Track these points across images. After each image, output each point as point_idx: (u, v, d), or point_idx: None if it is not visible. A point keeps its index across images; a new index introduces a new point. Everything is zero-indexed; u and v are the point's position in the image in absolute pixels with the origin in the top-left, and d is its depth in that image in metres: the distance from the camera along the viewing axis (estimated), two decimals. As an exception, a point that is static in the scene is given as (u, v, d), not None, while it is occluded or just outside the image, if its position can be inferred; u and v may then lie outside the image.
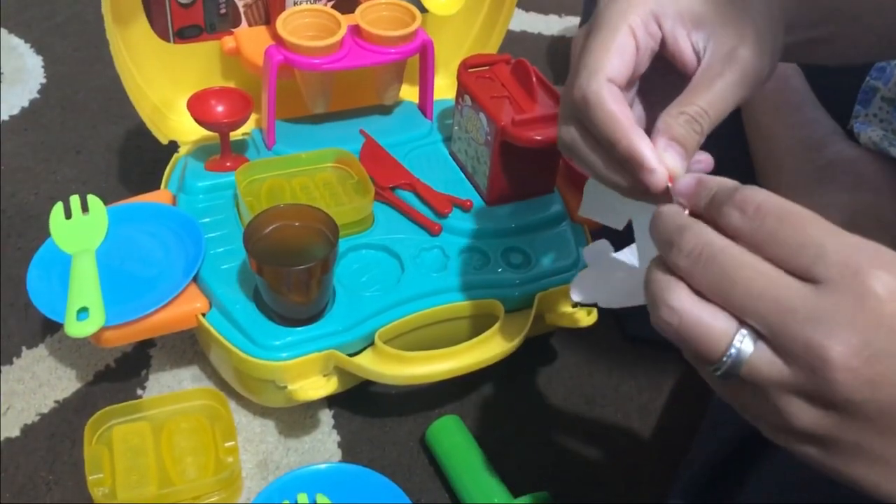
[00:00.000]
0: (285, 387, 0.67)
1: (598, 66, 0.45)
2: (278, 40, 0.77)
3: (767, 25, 0.46)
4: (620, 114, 0.44)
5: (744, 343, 0.35)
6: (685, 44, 0.46)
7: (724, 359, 0.36)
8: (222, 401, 0.70)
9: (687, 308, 0.36)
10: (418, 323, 0.70)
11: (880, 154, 0.76)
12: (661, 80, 0.49)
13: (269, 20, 0.82)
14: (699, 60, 0.46)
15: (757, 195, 0.36)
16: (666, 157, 0.43)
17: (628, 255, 0.51)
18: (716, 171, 0.45)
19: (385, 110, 0.87)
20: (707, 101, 0.44)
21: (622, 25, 0.45)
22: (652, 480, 0.72)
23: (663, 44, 0.47)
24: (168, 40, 0.80)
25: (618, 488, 0.71)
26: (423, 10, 0.84)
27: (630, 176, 0.44)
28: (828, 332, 0.33)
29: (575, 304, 0.73)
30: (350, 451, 0.72)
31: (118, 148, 0.98)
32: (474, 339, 0.69)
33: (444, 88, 0.90)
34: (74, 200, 0.73)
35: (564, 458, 0.73)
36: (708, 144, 0.47)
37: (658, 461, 0.73)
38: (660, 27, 0.46)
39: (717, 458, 0.62)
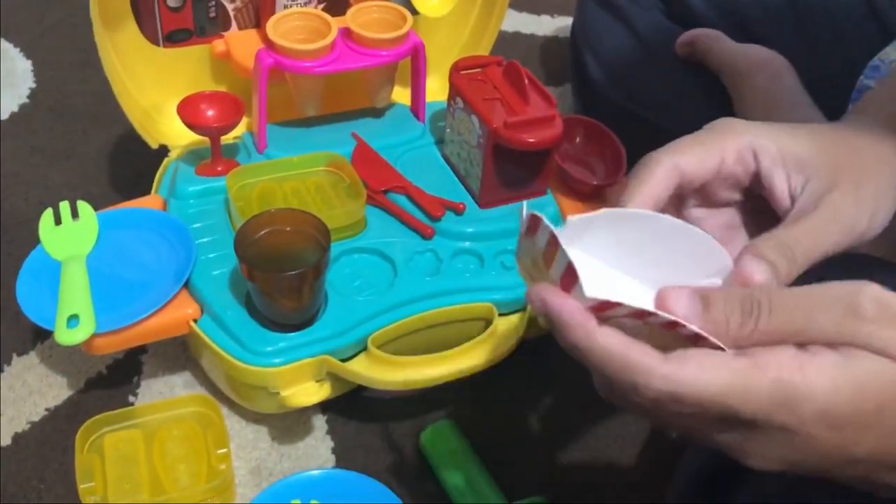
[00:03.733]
0: (278, 393, 0.66)
1: (678, 150, 0.46)
2: (269, 43, 0.76)
3: (872, 177, 0.46)
4: (655, 178, 0.45)
5: None
6: (782, 185, 0.46)
7: None
8: (214, 407, 0.69)
9: None
10: (412, 327, 0.70)
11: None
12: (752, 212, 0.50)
13: (259, 23, 0.82)
14: (793, 201, 0.46)
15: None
16: (754, 269, 0.41)
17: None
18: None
19: (377, 113, 0.87)
20: (797, 233, 0.44)
21: (717, 142, 0.47)
22: (649, 485, 0.72)
23: (758, 179, 0.47)
24: (157, 44, 0.80)
25: (614, 492, 0.71)
26: (415, 12, 0.84)
27: None
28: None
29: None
30: (344, 457, 0.71)
31: (108, 153, 0.97)
32: (468, 343, 0.69)
33: (437, 91, 0.90)
34: (64, 206, 0.73)
35: (560, 462, 0.73)
36: None
37: (655, 465, 0.73)
38: (756, 161, 0.47)
39: (715, 460, 0.62)
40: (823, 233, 0.44)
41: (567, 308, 0.37)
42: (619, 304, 0.37)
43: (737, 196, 0.49)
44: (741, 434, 0.37)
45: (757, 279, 0.41)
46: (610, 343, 0.37)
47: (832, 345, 0.36)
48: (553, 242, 0.38)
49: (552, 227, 0.38)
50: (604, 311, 0.38)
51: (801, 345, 0.37)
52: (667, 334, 0.38)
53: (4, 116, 1.01)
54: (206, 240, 0.72)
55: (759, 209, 0.49)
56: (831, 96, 0.82)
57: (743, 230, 0.50)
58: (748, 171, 0.47)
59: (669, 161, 0.46)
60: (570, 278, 0.37)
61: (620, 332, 0.37)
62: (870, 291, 0.36)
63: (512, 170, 0.76)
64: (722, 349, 0.37)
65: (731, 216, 0.50)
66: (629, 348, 0.37)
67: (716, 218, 0.50)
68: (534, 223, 0.39)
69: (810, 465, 0.38)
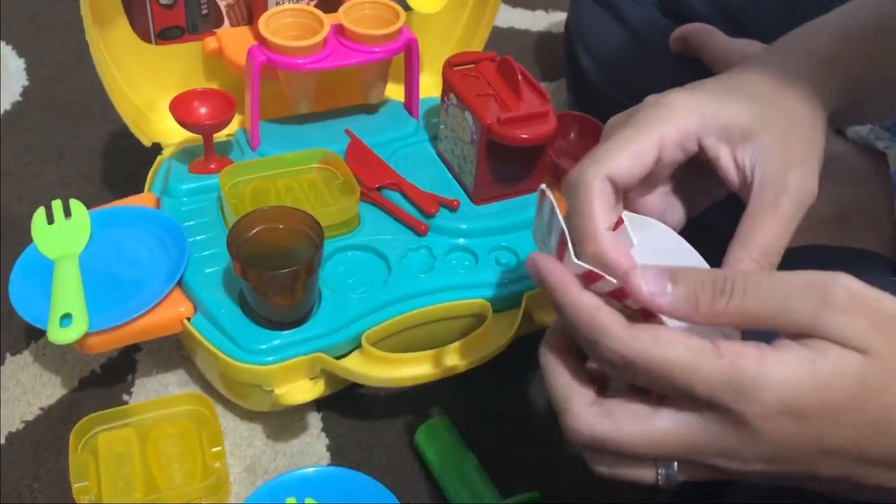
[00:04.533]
0: (272, 391, 0.66)
1: (606, 159, 0.45)
2: (261, 40, 0.76)
3: (814, 135, 0.46)
4: (597, 213, 0.44)
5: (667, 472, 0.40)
6: (728, 160, 0.46)
7: (660, 482, 0.41)
8: (209, 405, 0.69)
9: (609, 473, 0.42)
10: (406, 324, 0.69)
11: (867, 148, 0.76)
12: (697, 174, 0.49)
13: (251, 20, 0.82)
14: (744, 175, 0.45)
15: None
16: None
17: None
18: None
19: (370, 109, 0.87)
20: (775, 231, 0.43)
21: (653, 133, 0.45)
22: (643, 479, 0.71)
23: (703, 157, 0.46)
24: (150, 41, 0.79)
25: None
26: (408, 7, 0.84)
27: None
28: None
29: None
30: (339, 455, 0.71)
31: (101, 151, 0.97)
32: (463, 340, 0.69)
33: (430, 87, 0.90)
34: (56, 205, 0.72)
35: (554, 458, 0.73)
36: None
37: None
38: (700, 144, 0.46)
39: None
40: (795, 218, 0.44)
41: (552, 270, 0.40)
42: (602, 277, 0.39)
43: (671, 172, 0.48)
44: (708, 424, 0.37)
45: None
46: (583, 301, 0.39)
47: (800, 337, 0.36)
48: (552, 211, 0.41)
49: (551, 195, 0.42)
50: (591, 282, 0.40)
51: (771, 337, 0.37)
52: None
53: (-3, 115, 1.01)
54: (199, 238, 0.72)
55: (688, 165, 0.48)
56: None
57: (675, 198, 0.50)
58: (688, 154, 0.46)
59: (601, 178, 0.44)
60: (562, 244, 0.40)
61: (598, 297, 0.39)
62: (843, 281, 0.36)
63: (506, 166, 0.75)
64: None
65: (666, 186, 0.49)
66: (598, 309, 0.38)
67: (656, 194, 0.49)
68: (540, 196, 0.43)
69: (786, 462, 0.37)
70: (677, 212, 0.50)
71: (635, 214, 0.46)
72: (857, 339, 0.36)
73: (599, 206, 0.44)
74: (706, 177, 0.48)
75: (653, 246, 0.44)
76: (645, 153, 0.45)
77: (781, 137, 0.45)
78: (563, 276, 0.40)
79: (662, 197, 0.49)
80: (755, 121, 0.45)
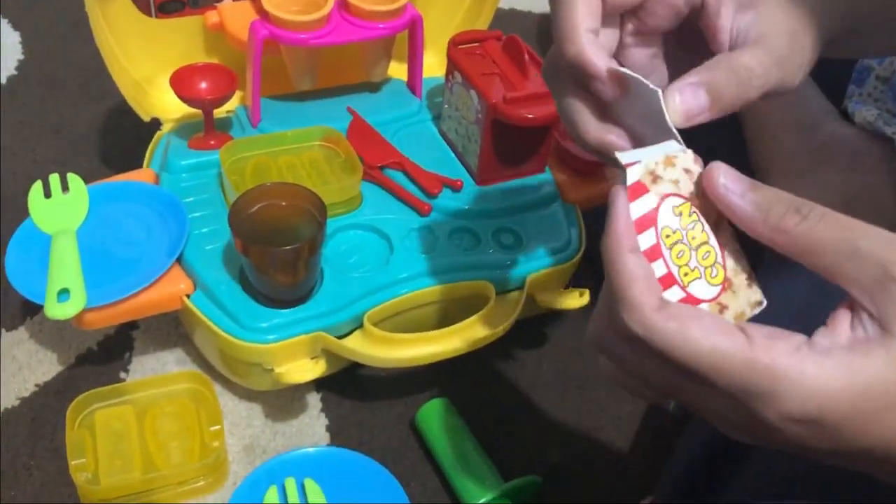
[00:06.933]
0: (272, 370, 0.65)
1: None
2: (263, 15, 0.75)
3: (808, 31, 0.43)
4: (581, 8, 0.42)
5: None
6: (725, 21, 0.43)
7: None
8: (207, 384, 0.68)
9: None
10: (408, 305, 0.69)
11: (875, 133, 0.75)
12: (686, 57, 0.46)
13: (253, -6, 0.80)
14: (734, 40, 0.43)
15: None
16: (687, 97, 0.39)
17: None
18: (707, 154, 0.43)
19: (373, 87, 0.86)
20: (748, 60, 0.41)
21: None
22: (643, 463, 0.71)
23: (703, 13, 0.43)
24: (150, 15, 0.78)
25: (608, 471, 0.71)
26: (412, -15, 0.82)
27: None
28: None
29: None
30: (338, 435, 0.71)
31: (99, 126, 0.96)
32: (464, 322, 0.68)
33: (434, 66, 0.89)
34: (54, 179, 0.71)
35: (555, 441, 0.72)
36: (700, 126, 0.45)
37: (649, 444, 0.73)
38: None
39: (708, 449, 0.61)
40: (771, 66, 0.41)
41: (618, 214, 0.37)
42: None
43: (668, 25, 0.45)
44: (721, 404, 0.36)
45: (689, 105, 0.39)
46: (626, 265, 0.36)
47: (849, 298, 0.35)
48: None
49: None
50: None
51: (826, 284, 0.35)
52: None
53: (-7, 89, 1.00)
54: (198, 214, 0.71)
55: (683, 43, 0.46)
56: (831, 77, 0.82)
57: (663, 62, 0.47)
58: (691, 6, 0.44)
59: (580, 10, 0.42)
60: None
61: (643, 267, 0.36)
62: None
63: (510, 146, 0.75)
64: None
65: (657, 46, 0.47)
66: (635, 281, 0.36)
67: (644, 49, 0.47)
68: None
69: (803, 452, 0.36)
70: (660, 76, 0.48)
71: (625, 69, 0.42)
72: None
73: (582, 9, 0.42)
74: (692, 50, 0.46)
75: (640, 102, 0.41)
76: None
77: (782, 8, 0.43)
78: (621, 226, 0.37)
79: (648, 58, 0.47)
80: None
